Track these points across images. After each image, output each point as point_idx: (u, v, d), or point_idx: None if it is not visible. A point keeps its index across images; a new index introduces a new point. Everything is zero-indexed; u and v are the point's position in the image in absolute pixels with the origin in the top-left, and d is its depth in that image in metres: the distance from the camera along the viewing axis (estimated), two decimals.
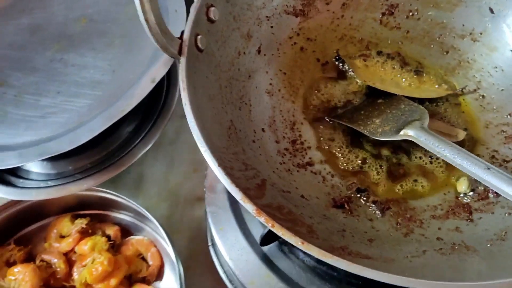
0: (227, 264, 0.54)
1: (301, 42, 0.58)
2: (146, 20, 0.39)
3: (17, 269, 0.60)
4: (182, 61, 0.43)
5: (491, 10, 0.55)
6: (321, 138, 0.53)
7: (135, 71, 0.63)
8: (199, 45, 0.45)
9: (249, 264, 0.52)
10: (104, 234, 0.65)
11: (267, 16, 0.54)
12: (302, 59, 0.57)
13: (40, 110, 0.61)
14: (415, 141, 0.47)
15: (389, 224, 0.46)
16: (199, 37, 0.45)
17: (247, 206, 0.36)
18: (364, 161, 0.50)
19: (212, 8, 0.47)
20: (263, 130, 0.51)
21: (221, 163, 0.38)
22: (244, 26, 0.52)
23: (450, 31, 0.57)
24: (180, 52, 0.43)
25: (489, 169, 0.40)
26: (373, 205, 0.48)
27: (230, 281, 0.57)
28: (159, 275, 0.64)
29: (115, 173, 0.62)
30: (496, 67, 0.55)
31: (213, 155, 0.38)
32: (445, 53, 0.58)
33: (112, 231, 0.66)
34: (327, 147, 0.52)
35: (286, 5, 0.56)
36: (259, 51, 0.54)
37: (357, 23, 0.59)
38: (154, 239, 0.66)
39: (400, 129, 0.48)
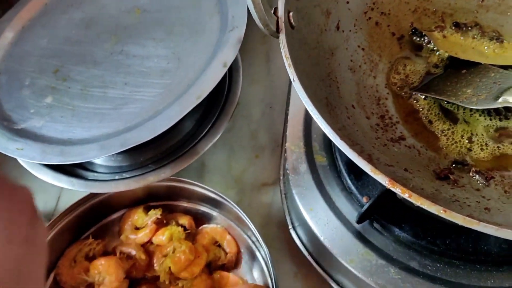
0: (319, 244, 0.53)
1: (375, 17, 0.57)
2: None
3: (100, 262, 0.60)
4: (282, 37, 0.42)
5: None
6: (407, 112, 0.52)
7: (201, 57, 0.62)
8: (292, 21, 0.45)
9: (345, 242, 0.51)
10: (178, 224, 0.65)
11: None
12: (378, 34, 0.57)
13: (110, 102, 0.61)
14: None
15: (497, 192, 0.46)
16: (291, 13, 0.45)
17: (379, 177, 0.35)
18: (470, 139, 0.49)
19: None
20: (353, 106, 0.50)
21: (342, 138, 0.38)
22: (323, 2, 0.51)
23: None
24: (278, 29, 0.43)
25: None
26: (476, 175, 0.47)
27: (317, 263, 0.57)
28: (236, 263, 0.64)
29: (189, 162, 0.62)
30: None
31: (334, 131, 0.37)
32: None
33: (185, 220, 0.65)
34: (416, 120, 0.51)
35: None
36: (338, 28, 0.53)
37: None
38: (228, 226, 0.65)
39: (498, 97, 0.47)
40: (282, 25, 0.43)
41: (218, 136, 0.64)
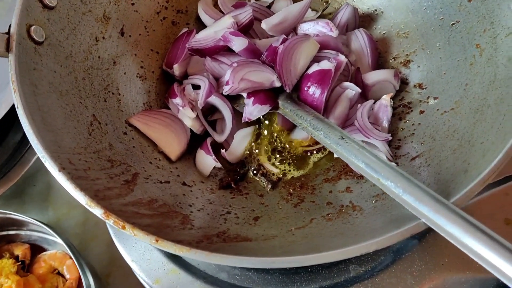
0: (128, 266, 0.50)
1: (171, 16, 0.53)
2: None
3: None
4: (11, 58, 0.38)
5: None
6: None
7: None
8: (35, 37, 0.40)
9: (152, 263, 0.48)
10: (12, 256, 0.61)
11: None
12: (176, 34, 0.53)
13: None
14: (281, 112, 0.44)
15: (279, 196, 0.43)
16: (33, 28, 0.40)
17: (95, 210, 0.32)
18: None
19: None
20: None
21: (68, 167, 0.34)
22: (97, 7, 0.47)
23: None
24: (8, 49, 0.38)
25: (342, 138, 0.37)
26: (263, 178, 0.45)
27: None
28: (80, 286, 0.60)
29: (2, 191, 0.57)
30: (376, 10, 0.52)
31: (53, 160, 0.33)
32: (324, 3, 0.55)
33: (20, 251, 0.61)
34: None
35: None
36: (122, 33, 0.49)
37: None
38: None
39: None
40: (13, 45, 0.38)
41: (36, 156, 0.59)
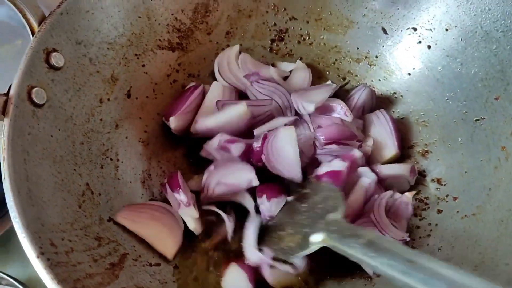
0: None
1: (182, 79, 0.51)
2: None
3: None
4: (6, 123, 0.35)
5: (384, 31, 0.49)
6: None
7: None
8: (35, 99, 0.38)
9: None
10: None
11: (136, 54, 0.47)
12: None
13: None
14: (330, 247, 0.34)
15: None
16: (34, 90, 0.38)
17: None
18: None
19: (55, 53, 0.40)
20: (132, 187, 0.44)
21: (49, 250, 0.31)
22: (106, 68, 0.45)
23: (345, 55, 0.52)
24: (4, 112, 0.36)
25: (410, 262, 0.28)
26: None
27: None
28: None
29: None
30: (395, 93, 0.50)
31: (33, 243, 0.30)
32: (342, 80, 0.53)
33: None
34: None
35: (159, 40, 0.49)
36: (128, 95, 0.47)
37: (246, 52, 0.52)
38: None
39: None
40: (10, 108, 0.36)
41: None
